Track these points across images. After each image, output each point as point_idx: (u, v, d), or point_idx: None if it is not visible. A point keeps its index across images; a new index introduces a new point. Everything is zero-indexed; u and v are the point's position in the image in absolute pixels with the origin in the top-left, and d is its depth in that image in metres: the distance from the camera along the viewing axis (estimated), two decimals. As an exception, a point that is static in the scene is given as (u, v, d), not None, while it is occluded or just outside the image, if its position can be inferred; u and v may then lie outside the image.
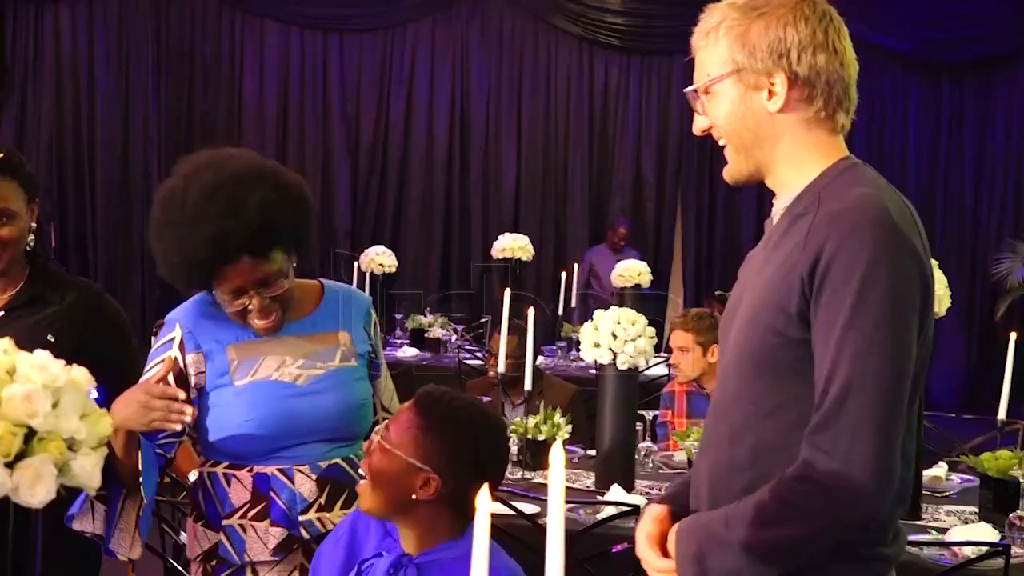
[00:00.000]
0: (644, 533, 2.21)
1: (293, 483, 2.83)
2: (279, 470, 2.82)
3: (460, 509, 2.40)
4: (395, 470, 2.42)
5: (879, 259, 1.91)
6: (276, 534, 2.80)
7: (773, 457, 2.03)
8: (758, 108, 2.08)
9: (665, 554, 2.16)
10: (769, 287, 2.04)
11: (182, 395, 2.65)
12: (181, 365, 2.83)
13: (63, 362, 1.81)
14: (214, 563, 2.84)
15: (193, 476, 3.10)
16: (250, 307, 2.80)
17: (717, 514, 2.05)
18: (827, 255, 1.92)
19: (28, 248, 3.15)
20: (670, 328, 5.76)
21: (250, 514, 2.81)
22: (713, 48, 2.12)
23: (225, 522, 2.82)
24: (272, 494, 2.81)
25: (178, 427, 2.67)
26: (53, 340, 3.07)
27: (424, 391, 2.57)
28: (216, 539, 2.83)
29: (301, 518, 2.82)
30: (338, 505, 2.87)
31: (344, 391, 2.94)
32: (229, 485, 2.84)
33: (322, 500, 2.85)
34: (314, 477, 2.85)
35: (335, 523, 2.83)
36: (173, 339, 2.86)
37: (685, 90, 2.20)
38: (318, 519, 2.85)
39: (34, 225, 3.16)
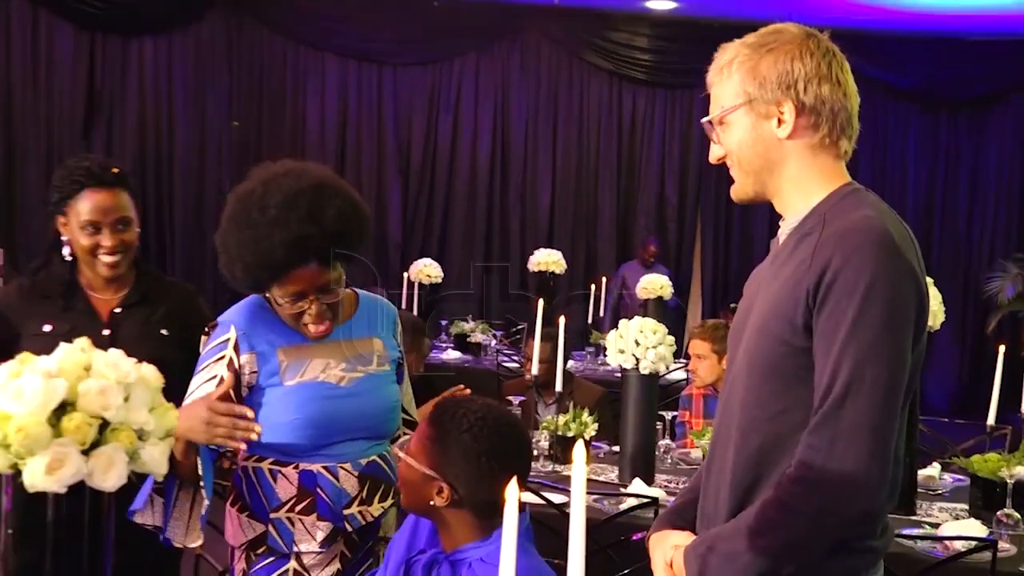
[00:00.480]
0: (660, 560, 2.22)
1: (338, 480, 2.80)
2: (324, 468, 2.79)
3: (482, 511, 2.35)
4: (414, 479, 2.41)
5: (880, 277, 1.90)
6: (323, 527, 2.77)
7: (776, 457, 2.03)
8: (768, 135, 2.09)
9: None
10: (778, 300, 2.03)
11: (249, 413, 2.59)
12: (236, 365, 2.78)
13: (134, 360, 1.81)
14: (260, 551, 2.81)
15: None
16: (309, 311, 2.77)
17: (722, 529, 2.03)
18: (832, 270, 1.92)
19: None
20: (689, 337, 5.76)
21: (297, 508, 2.78)
22: (727, 82, 2.12)
23: (273, 515, 2.78)
24: (319, 491, 2.78)
25: (243, 445, 2.65)
26: (166, 334, 3.11)
27: (439, 403, 2.57)
28: (262, 529, 2.79)
29: (345, 512, 2.80)
30: (376, 499, 2.85)
31: (381, 393, 2.92)
32: (275, 480, 2.80)
33: (363, 495, 2.83)
34: (356, 474, 2.82)
35: (375, 515, 2.84)
36: (228, 340, 2.80)
37: (702, 120, 2.21)
38: (359, 512, 2.83)
39: (139, 230, 3.20)
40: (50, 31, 9.51)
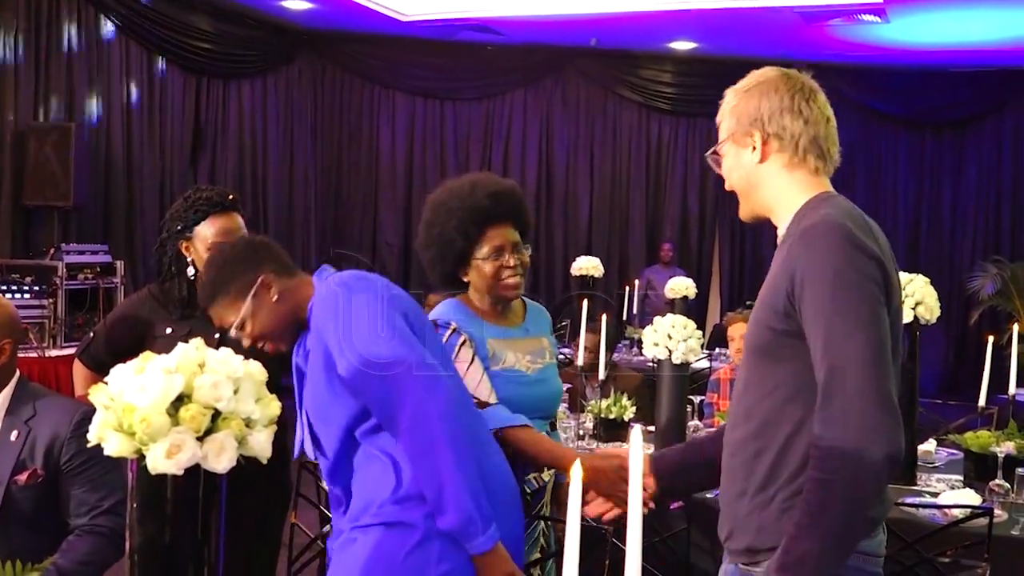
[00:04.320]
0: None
1: None
2: None
3: None
4: None
5: (842, 260, 1.91)
6: None
7: (774, 430, 2.02)
8: (747, 161, 2.17)
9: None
10: (764, 294, 2.07)
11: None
12: (471, 348, 2.81)
13: (242, 357, 1.79)
14: None
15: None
16: (507, 264, 2.84)
17: (784, 545, 1.90)
18: (802, 264, 1.94)
19: None
20: (728, 321, 5.81)
21: None
22: (722, 122, 2.22)
23: None
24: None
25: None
26: None
27: None
28: None
29: (526, 477, 2.83)
30: (546, 467, 2.87)
31: (555, 381, 3.00)
32: None
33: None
34: None
35: (545, 481, 2.89)
36: (456, 329, 2.83)
37: (705, 154, 2.33)
38: (534, 478, 2.87)
39: None
40: (163, 75, 9.60)
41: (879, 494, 1.89)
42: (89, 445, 1.72)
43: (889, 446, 1.83)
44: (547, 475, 2.88)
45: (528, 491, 2.83)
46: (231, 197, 3.17)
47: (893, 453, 1.84)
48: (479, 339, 2.85)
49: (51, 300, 6.94)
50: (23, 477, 2.71)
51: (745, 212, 2.24)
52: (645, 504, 2.35)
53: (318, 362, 2.36)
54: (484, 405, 2.74)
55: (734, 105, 2.18)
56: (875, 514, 2.01)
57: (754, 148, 2.14)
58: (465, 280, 2.93)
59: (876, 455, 1.82)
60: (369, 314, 2.33)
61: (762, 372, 2.06)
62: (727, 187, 2.25)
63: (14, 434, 2.75)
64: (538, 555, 2.85)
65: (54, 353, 6.68)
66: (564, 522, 2.82)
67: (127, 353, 3.13)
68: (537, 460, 2.78)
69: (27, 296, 6.82)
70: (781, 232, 2.13)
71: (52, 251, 7.30)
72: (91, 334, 3.34)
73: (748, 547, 2.05)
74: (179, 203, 3.17)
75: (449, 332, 2.83)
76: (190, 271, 3.13)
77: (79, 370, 3.26)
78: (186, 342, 1.78)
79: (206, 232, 3.09)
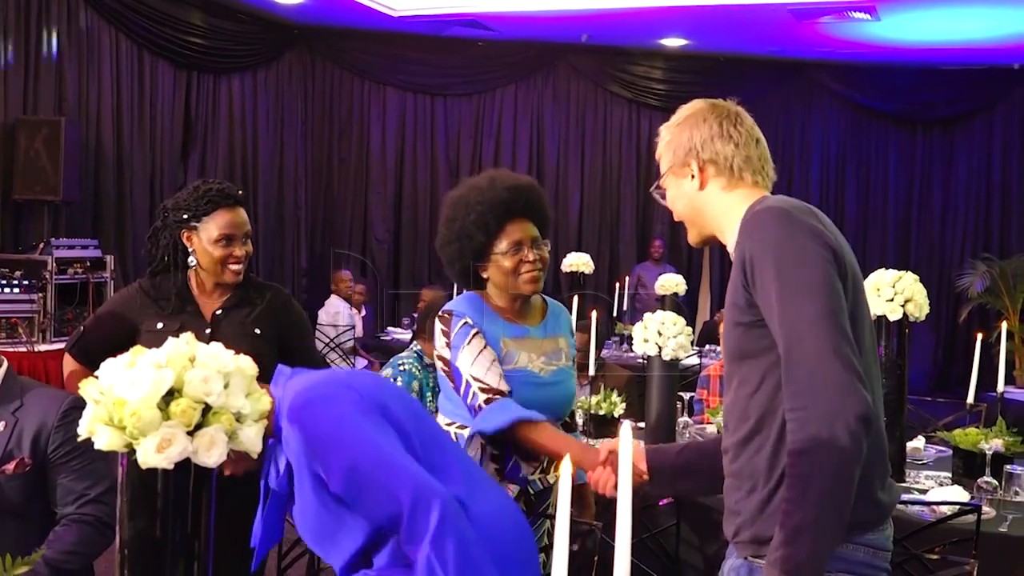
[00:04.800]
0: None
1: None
2: None
3: None
4: None
5: (781, 239, 1.97)
6: (513, 490, 2.79)
7: (770, 420, 2.02)
8: (689, 190, 2.24)
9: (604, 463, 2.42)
10: (727, 297, 2.12)
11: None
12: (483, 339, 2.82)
13: (232, 351, 1.79)
14: None
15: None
16: (526, 259, 2.85)
17: (778, 529, 1.90)
18: (748, 251, 2.00)
19: None
20: (721, 317, 5.68)
21: (490, 470, 2.79)
22: (661, 158, 2.30)
23: None
24: (515, 459, 2.79)
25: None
26: (259, 332, 3.12)
27: None
28: None
29: (529, 477, 2.83)
30: (553, 468, 2.86)
31: (569, 383, 2.98)
32: (469, 445, 2.81)
33: (543, 464, 2.85)
34: None
35: (551, 482, 2.88)
36: (468, 322, 2.84)
37: (650, 190, 2.40)
38: (539, 479, 2.86)
39: None
40: (153, 70, 9.57)
41: (860, 454, 1.85)
42: (78, 435, 1.72)
43: (859, 405, 1.84)
44: (552, 476, 2.87)
45: (532, 491, 2.84)
46: (240, 192, 3.17)
47: (864, 411, 1.84)
48: (493, 337, 2.84)
49: (41, 295, 6.92)
50: (10, 467, 2.71)
51: (693, 237, 2.32)
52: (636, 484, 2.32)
53: (304, 483, 2.15)
54: (497, 393, 2.74)
55: (668, 140, 2.27)
56: (883, 498, 2.02)
57: (692, 176, 2.22)
58: (485, 277, 2.94)
59: (848, 415, 1.83)
60: (347, 435, 2.13)
61: (745, 371, 2.08)
62: (676, 218, 2.32)
63: (1, 424, 2.75)
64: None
65: (43, 348, 6.67)
66: (579, 521, 2.83)
67: (116, 348, 3.13)
68: (555, 456, 2.71)
69: (16, 291, 6.81)
70: (731, 248, 2.16)
71: (42, 246, 7.28)
72: (81, 328, 3.34)
73: (755, 537, 2.04)
74: (187, 192, 3.14)
75: (461, 323, 2.84)
76: (191, 261, 3.12)
77: (69, 363, 3.26)
78: (176, 337, 1.77)
79: (216, 224, 3.08)
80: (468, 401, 2.76)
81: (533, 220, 2.91)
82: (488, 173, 2.98)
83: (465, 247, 2.89)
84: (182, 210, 3.11)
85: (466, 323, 2.83)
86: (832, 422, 1.83)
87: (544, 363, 2.88)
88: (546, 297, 3.07)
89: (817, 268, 1.93)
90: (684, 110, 2.28)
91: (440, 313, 2.91)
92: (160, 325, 3.07)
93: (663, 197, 2.33)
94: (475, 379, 2.78)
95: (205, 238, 3.09)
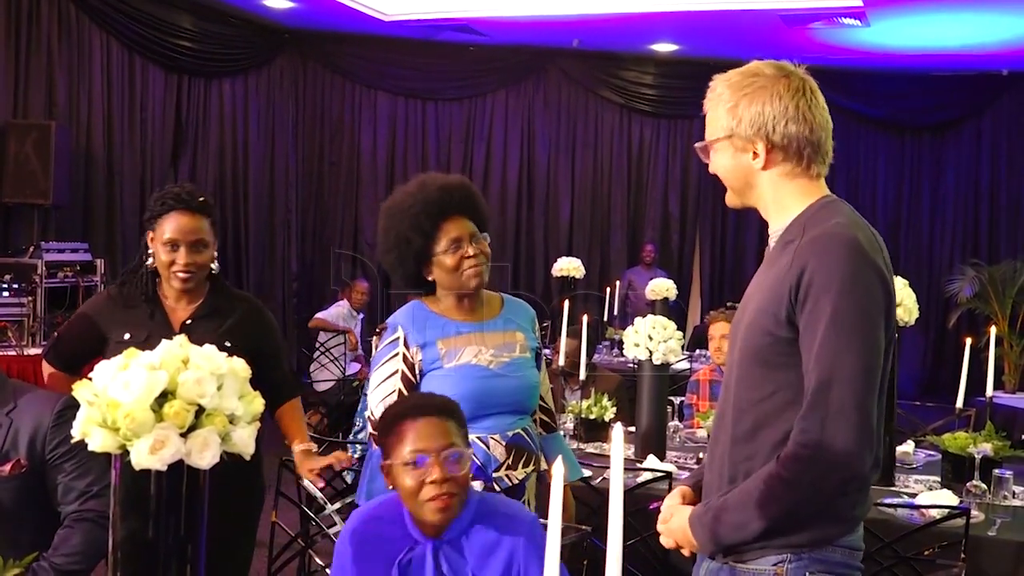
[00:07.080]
0: (668, 503, 2.27)
1: (488, 448, 2.83)
2: (478, 438, 2.80)
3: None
4: None
5: (849, 275, 1.91)
6: (478, 487, 2.77)
7: (768, 433, 2.01)
8: (746, 165, 2.12)
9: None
10: (765, 298, 2.03)
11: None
12: (409, 358, 2.87)
13: (225, 354, 1.79)
14: None
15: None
16: (466, 255, 2.86)
17: (726, 501, 2.02)
18: (809, 271, 1.93)
19: (212, 271, 3.17)
20: (711, 320, 5.59)
21: None
22: (713, 113, 2.15)
23: None
24: (473, 457, 2.76)
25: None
26: (229, 345, 3.08)
27: None
28: None
29: (494, 475, 2.83)
30: (520, 465, 2.89)
31: (523, 374, 2.97)
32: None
33: (509, 461, 2.86)
34: (503, 443, 2.85)
35: (519, 479, 2.88)
36: (398, 338, 2.89)
37: (695, 144, 2.24)
38: (506, 475, 2.86)
39: (215, 253, 3.17)
40: (144, 73, 9.56)
41: (836, 498, 1.96)
42: (72, 435, 1.72)
43: (858, 468, 1.90)
44: (521, 472, 2.88)
45: (499, 488, 2.83)
46: (201, 200, 3.12)
47: (859, 476, 1.92)
48: (428, 343, 2.88)
49: (30, 298, 6.91)
50: (6, 468, 2.70)
51: (733, 201, 2.20)
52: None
53: None
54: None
55: (731, 106, 2.09)
56: (859, 513, 2.05)
57: (756, 155, 2.08)
58: (430, 279, 2.96)
59: (842, 479, 1.90)
60: None
61: (756, 376, 2.05)
62: (717, 177, 2.20)
63: None
64: None
65: (33, 351, 6.64)
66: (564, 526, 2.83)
67: (90, 355, 3.13)
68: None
69: (6, 294, 6.79)
70: (774, 230, 2.12)
71: (32, 249, 7.26)
72: (55, 334, 3.33)
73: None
74: (155, 194, 3.16)
75: (391, 338, 2.90)
76: (149, 261, 3.11)
77: (47, 369, 3.26)
78: (144, 349, 1.77)
79: (166, 227, 3.05)
80: (363, 415, 2.84)
81: (469, 216, 2.92)
82: (418, 178, 3.00)
83: (405, 253, 2.91)
84: (148, 210, 3.12)
85: (395, 339, 2.89)
86: (822, 479, 1.91)
87: (493, 356, 2.91)
88: (506, 295, 3.11)
89: (871, 322, 1.92)
90: (751, 76, 2.10)
91: (380, 324, 2.98)
92: (127, 336, 3.04)
93: (707, 155, 2.19)
94: (371, 405, 2.92)
95: (158, 240, 3.08)
